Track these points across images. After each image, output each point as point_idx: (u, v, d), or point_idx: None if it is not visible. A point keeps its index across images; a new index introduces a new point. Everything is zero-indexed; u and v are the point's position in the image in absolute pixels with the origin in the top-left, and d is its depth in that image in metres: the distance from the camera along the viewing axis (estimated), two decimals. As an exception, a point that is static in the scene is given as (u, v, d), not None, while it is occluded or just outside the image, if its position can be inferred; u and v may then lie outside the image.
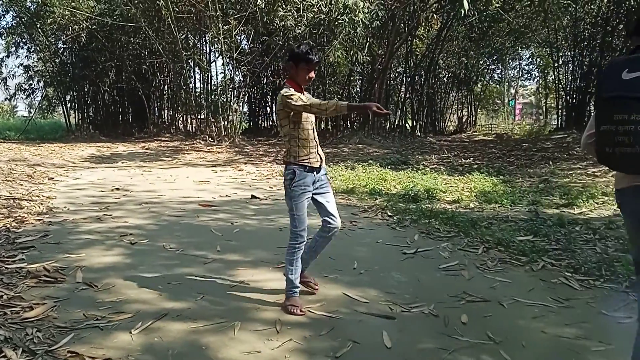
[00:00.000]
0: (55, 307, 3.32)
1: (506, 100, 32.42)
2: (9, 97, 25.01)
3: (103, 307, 3.37)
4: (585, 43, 19.28)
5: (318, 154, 3.52)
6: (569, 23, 19.40)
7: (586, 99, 19.24)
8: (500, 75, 29.06)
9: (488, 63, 26.74)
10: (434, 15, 19.56)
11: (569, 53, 21.03)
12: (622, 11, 16.28)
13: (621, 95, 2.09)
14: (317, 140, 3.58)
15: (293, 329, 3.12)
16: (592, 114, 2.45)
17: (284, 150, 3.55)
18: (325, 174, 3.63)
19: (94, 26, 18.57)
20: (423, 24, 20.27)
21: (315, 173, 3.47)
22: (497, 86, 29.96)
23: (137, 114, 22.88)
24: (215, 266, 4.38)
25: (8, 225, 5.50)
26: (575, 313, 3.43)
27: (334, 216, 3.63)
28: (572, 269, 4.27)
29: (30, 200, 7.13)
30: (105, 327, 3.07)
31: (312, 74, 3.45)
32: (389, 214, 6.66)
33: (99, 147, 16.55)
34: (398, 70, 24.65)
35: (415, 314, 3.40)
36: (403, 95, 24.07)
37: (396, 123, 23.59)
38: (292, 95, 3.33)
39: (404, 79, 24.13)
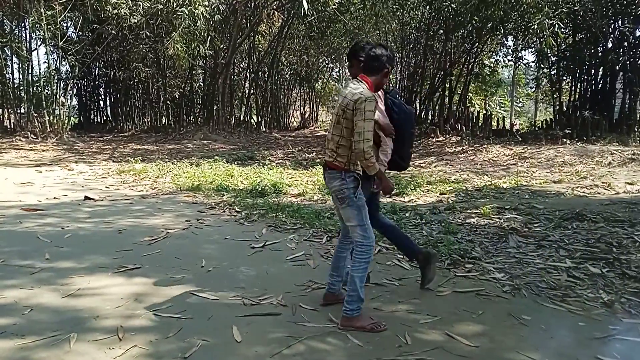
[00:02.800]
0: None
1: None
2: None
3: None
4: (411, 46, 21.22)
5: None
6: (397, 27, 21.17)
7: (412, 97, 21.19)
8: (338, 74, 30.67)
9: (327, 61, 28.04)
10: (275, 12, 19.90)
11: (397, 54, 22.97)
12: (441, 17, 18.22)
13: None
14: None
15: (137, 335, 2.96)
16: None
17: (334, 154, 3.16)
18: None
19: None
20: (265, 20, 20.51)
21: None
22: (336, 84, 31.60)
23: (-62, 108, 19.53)
24: (44, 276, 3.95)
25: None
26: (407, 291, 3.79)
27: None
28: (404, 251, 4.69)
29: None
30: None
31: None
32: (237, 209, 6.65)
33: None
34: (242, 65, 24.65)
35: (264, 305, 3.45)
36: (247, 91, 24.13)
37: (241, 118, 23.59)
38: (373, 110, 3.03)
39: (248, 74, 24.20)
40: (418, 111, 21.24)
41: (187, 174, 9.55)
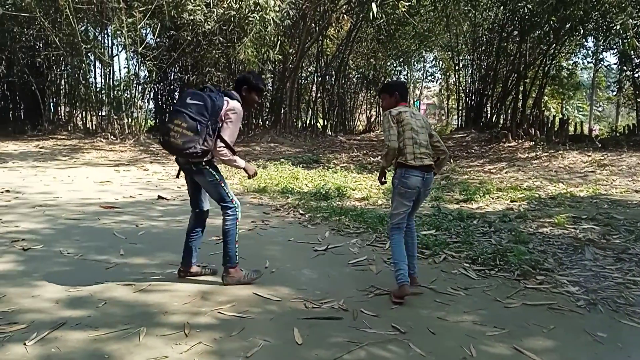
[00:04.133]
0: None
1: (411, 101, 33.89)
2: None
3: (-9, 319, 3.09)
4: (483, 48, 20.60)
5: None
6: (468, 28, 20.64)
7: (483, 100, 20.57)
8: (406, 77, 30.31)
9: (395, 65, 27.78)
10: (344, 16, 19.97)
11: (468, 57, 22.39)
12: (516, 18, 17.57)
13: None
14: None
15: (202, 332, 3.04)
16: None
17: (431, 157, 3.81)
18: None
19: (-19, 15, 16.92)
20: (334, 24, 20.64)
21: None
22: (404, 87, 31.23)
23: (30, 111, 21.06)
24: (118, 271, 4.16)
25: None
26: (473, 301, 3.66)
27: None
28: (470, 260, 4.55)
29: None
30: (-7, 340, 2.81)
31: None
32: (301, 212, 6.71)
33: (-15, 145, 15.12)
34: (309, 69, 24.91)
35: (326, 309, 3.45)
36: (314, 95, 24.35)
37: (307, 122, 23.83)
38: None
39: (315, 78, 24.42)
40: (489, 115, 20.59)
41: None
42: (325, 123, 24.03)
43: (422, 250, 4.83)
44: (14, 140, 16.83)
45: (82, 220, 6.02)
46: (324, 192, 7.77)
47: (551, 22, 15.13)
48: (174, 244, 5.03)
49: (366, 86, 27.56)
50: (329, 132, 22.96)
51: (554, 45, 17.73)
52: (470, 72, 22.07)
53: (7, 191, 7.85)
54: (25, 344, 2.78)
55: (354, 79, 27.28)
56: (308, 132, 21.41)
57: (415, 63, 28.99)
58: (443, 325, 3.23)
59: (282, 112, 20.90)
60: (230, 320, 3.25)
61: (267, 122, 21.51)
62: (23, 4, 15.95)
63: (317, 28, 20.67)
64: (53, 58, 19.69)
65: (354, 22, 20.82)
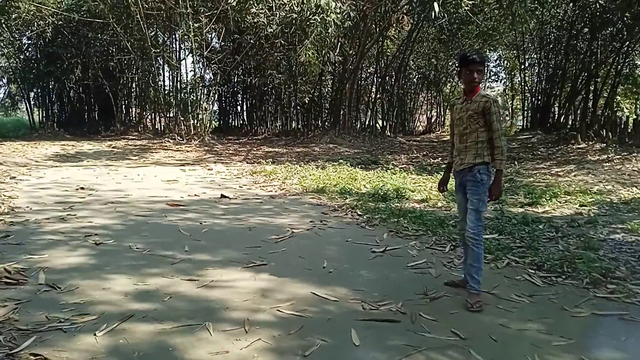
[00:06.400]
0: (17, 309, 3.23)
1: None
2: (-32, 94, 24.09)
3: (66, 309, 3.29)
4: (551, 46, 19.77)
5: (460, 157, 3.77)
6: (535, 26, 19.87)
7: (550, 100, 19.73)
8: (469, 77, 29.53)
9: (457, 65, 27.14)
10: (405, 16, 19.75)
11: (535, 55, 21.56)
12: (587, 15, 16.75)
13: None
14: (460, 146, 3.77)
15: (262, 329, 3.11)
16: None
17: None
18: (473, 178, 3.65)
19: (60, 22, 18.08)
20: (394, 25, 20.44)
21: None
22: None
23: (103, 112, 22.34)
24: (183, 266, 4.32)
25: (-33, 226, 5.31)
26: (538, 309, 3.53)
27: (468, 228, 3.67)
28: (535, 266, 4.38)
29: (-10, 200, 6.91)
30: (68, 329, 3.00)
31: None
32: (359, 213, 6.70)
33: (63, 145, 16.12)
34: (369, 70, 24.82)
35: (383, 311, 3.43)
36: (373, 96, 24.23)
37: (366, 123, 23.76)
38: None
39: (375, 79, 24.31)
40: (556, 115, 19.74)
41: (313, 177, 9.84)
42: (385, 124, 23.86)
43: (484, 254, 4.69)
44: (89, 140, 17.87)
45: (150, 217, 6.30)
46: (382, 193, 7.73)
47: (625, 19, 14.28)
48: (235, 241, 5.18)
49: (427, 86, 27.12)
50: (388, 133, 22.79)
51: (628, 42, 16.74)
52: (536, 71, 21.25)
53: (82, 188, 8.34)
54: (95, 335, 2.94)
55: (414, 80, 26.92)
56: (367, 133, 21.34)
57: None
58: (506, 332, 3.14)
59: (341, 113, 20.95)
60: (288, 318, 3.30)
61: (327, 123, 21.63)
62: (97, 11, 16.90)
63: (377, 29, 20.56)
64: (125, 62, 20.76)
65: (414, 22, 20.56)
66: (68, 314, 3.21)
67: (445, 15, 17.61)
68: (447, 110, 29.25)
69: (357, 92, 22.55)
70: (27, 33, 20.19)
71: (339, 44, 18.84)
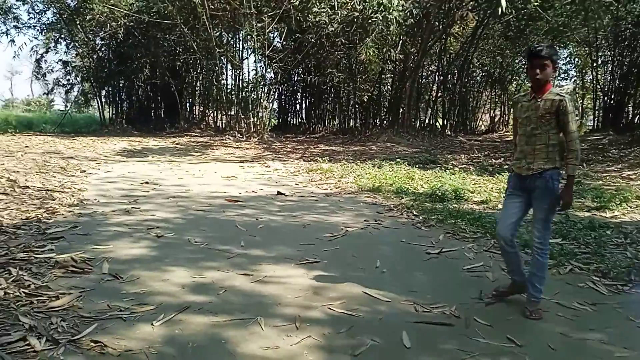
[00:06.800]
0: (81, 297, 3.41)
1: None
2: (46, 91, 25.71)
3: (127, 298, 3.44)
4: (626, 43, 18.66)
5: (526, 161, 3.45)
6: (609, 22, 18.81)
7: (624, 100, 18.63)
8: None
9: (524, 62, 26.13)
10: (470, 13, 19.25)
11: (608, 53, 20.41)
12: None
13: None
14: (527, 148, 3.46)
15: (312, 326, 3.12)
16: None
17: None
18: (544, 185, 3.37)
19: (131, 23, 19.00)
20: (458, 22, 19.98)
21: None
22: (533, 85, 29.28)
23: (169, 110, 23.26)
24: (238, 261, 4.41)
25: (39, 216, 5.66)
26: (601, 318, 3.34)
27: (535, 237, 3.45)
28: (601, 273, 4.15)
29: (62, 192, 7.33)
30: (128, 318, 3.13)
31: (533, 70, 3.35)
32: (415, 213, 6.59)
33: (130, 141, 16.89)
34: (431, 68, 24.36)
35: (436, 314, 3.36)
36: (434, 94, 23.78)
37: (426, 122, 23.36)
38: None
39: (436, 77, 23.84)
40: (630, 115, 18.62)
41: (369, 175, 9.78)
42: (445, 123, 23.35)
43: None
44: (154, 137, 18.62)
45: (209, 212, 6.48)
46: (440, 194, 7.56)
47: None
48: (290, 238, 5.23)
49: (490, 85, 26.30)
50: (449, 132, 22.29)
51: None
52: (610, 69, 20.09)
53: (147, 183, 8.70)
54: (152, 325, 3.06)
55: (478, 78, 26.17)
56: (426, 132, 20.99)
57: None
58: (565, 341, 2.99)
59: (400, 111, 20.72)
60: (339, 317, 3.29)
61: (385, 121, 21.46)
62: (166, 12, 17.58)
63: (440, 26, 20.17)
64: (190, 62, 21.51)
65: (480, 19, 19.99)
66: (128, 303, 3.35)
67: (513, 11, 16.98)
68: (511, 108, 28.32)
69: (418, 90, 22.21)
70: (100, 34, 21.33)
71: (400, 41, 18.62)
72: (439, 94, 23.36)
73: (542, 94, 3.36)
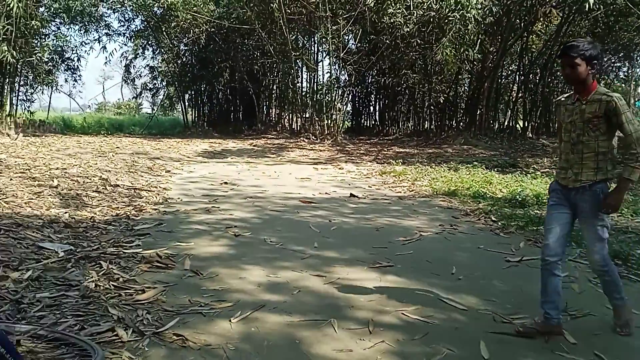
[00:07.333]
0: (165, 291, 3.58)
1: (632, 101, 29.47)
2: (135, 95, 27.34)
3: (207, 294, 3.58)
4: None
5: (572, 171, 3.09)
6: None
7: None
8: (626, 74, 26.49)
9: (613, 60, 24.48)
10: (554, 9, 18.31)
11: None
12: None
13: None
14: (573, 157, 3.09)
15: (386, 331, 3.09)
16: None
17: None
18: (594, 200, 3.02)
19: (213, 29, 19.86)
20: (541, 19, 19.06)
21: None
22: (623, 85, 27.34)
23: (247, 112, 24.04)
24: (312, 262, 4.46)
25: (128, 213, 6.03)
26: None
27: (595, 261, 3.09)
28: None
29: (148, 190, 7.77)
30: (207, 313, 3.25)
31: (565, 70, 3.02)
32: (493, 218, 6.35)
33: (211, 143, 17.61)
34: (511, 68, 23.39)
35: (517, 325, 3.21)
36: (515, 95, 22.81)
37: (505, 123, 22.47)
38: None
39: (517, 77, 22.86)
40: None
41: (444, 179, 9.55)
42: (526, 124, 22.30)
43: (637, 272, 4.21)
44: (233, 139, 19.30)
45: (284, 213, 6.61)
46: (520, 199, 7.24)
47: None
48: (363, 241, 5.23)
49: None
50: (530, 135, 21.26)
51: None
52: None
53: (226, 183, 9.02)
54: (230, 321, 3.16)
55: (561, 77, 24.81)
56: (505, 135, 20.15)
57: (638, 58, 25.13)
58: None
59: (478, 113, 20.07)
60: (414, 323, 3.24)
61: (461, 123, 20.88)
62: (245, 17, 18.18)
63: (522, 24, 19.34)
64: (267, 65, 22.04)
65: (564, 16, 18.96)
66: (208, 299, 3.49)
67: (601, 6, 15.97)
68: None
69: (497, 91, 21.40)
70: (184, 40, 22.46)
71: (479, 40, 18.03)
72: (520, 95, 22.37)
73: (587, 95, 3.01)
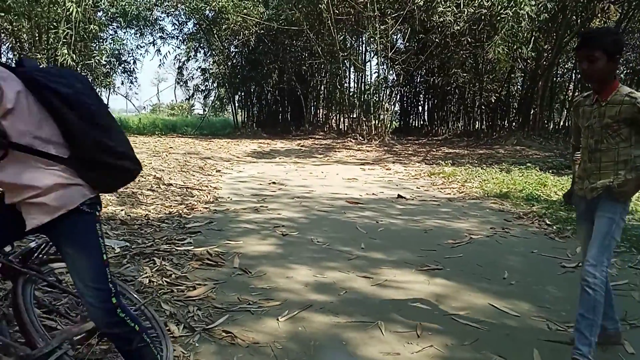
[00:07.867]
0: (215, 288, 3.66)
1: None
2: (188, 97, 28.12)
3: (255, 292, 3.63)
4: None
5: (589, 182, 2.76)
6: None
7: None
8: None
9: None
10: (612, 5, 17.50)
11: None
12: None
13: None
14: (591, 166, 2.76)
15: (434, 335, 3.04)
16: None
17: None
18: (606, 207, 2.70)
19: (262, 31, 20.16)
20: (599, 15, 18.26)
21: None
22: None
23: (295, 113, 24.27)
24: (359, 263, 4.45)
25: (180, 212, 6.20)
26: None
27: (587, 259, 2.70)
28: None
29: (200, 189, 7.97)
30: (255, 312, 3.30)
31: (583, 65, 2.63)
32: (548, 222, 6.13)
33: (260, 143, 17.87)
34: (566, 66, 22.54)
35: (572, 334, 3.08)
36: (571, 94, 21.96)
37: (561, 124, 21.65)
38: None
39: (573, 75, 22.00)
40: None
41: (496, 180, 9.30)
42: (583, 125, 21.47)
43: None
44: (281, 139, 19.51)
45: (330, 213, 6.62)
46: (577, 203, 6.95)
47: None
48: (410, 242, 5.16)
49: (637, 83, 23.65)
50: (588, 135, 20.44)
51: None
52: None
53: (274, 183, 9.13)
54: (278, 320, 3.19)
55: (622, 75, 23.68)
56: (561, 135, 19.41)
57: None
58: None
59: (531, 113, 19.45)
60: (463, 328, 3.17)
61: (514, 123, 20.29)
62: (293, 19, 18.34)
63: (578, 20, 18.59)
64: (315, 66, 22.17)
65: (624, 11, 18.09)
66: (256, 297, 3.54)
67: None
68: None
69: (552, 89, 20.67)
70: (234, 42, 22.89)
71: (532, 38, 17.47)
72: (576, 94, 21.52)
73: (606, 96, 2.63)
